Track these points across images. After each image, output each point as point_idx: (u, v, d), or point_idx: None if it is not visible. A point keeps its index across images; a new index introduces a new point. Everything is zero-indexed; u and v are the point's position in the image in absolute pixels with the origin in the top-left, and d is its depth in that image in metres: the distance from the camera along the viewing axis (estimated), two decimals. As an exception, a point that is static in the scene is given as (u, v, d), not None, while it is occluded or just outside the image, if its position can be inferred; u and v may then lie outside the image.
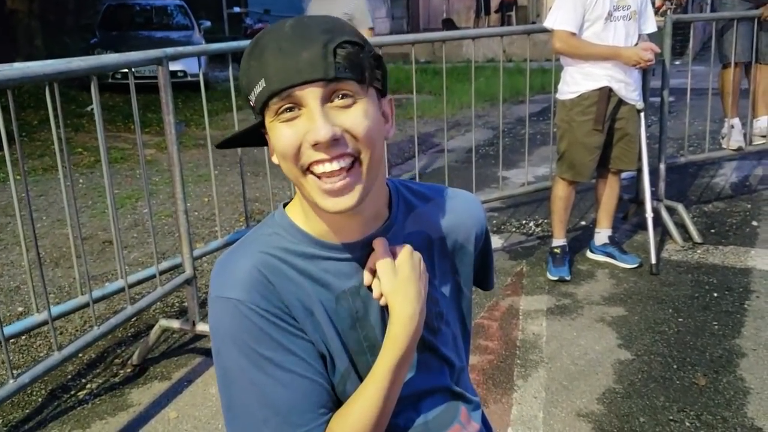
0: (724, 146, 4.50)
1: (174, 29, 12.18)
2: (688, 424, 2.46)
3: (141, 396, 2.84)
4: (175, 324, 3.01)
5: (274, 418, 0.96)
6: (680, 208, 4.27)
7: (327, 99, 0.91)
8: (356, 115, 0.91)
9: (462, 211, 1.15)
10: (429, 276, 1.07)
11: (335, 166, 0.91)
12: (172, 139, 2.74)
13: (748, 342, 2.99)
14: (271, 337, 0.96)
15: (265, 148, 1.05)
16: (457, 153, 6.83)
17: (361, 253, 1.03)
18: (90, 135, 7.83)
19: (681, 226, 4.21)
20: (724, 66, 4.56)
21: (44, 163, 6.75)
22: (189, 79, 10.17)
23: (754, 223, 4.41)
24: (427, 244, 1.10)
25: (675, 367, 2.83)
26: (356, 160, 0.92)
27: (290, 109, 0.91)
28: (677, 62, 7.71)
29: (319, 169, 0.91)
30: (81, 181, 6.16)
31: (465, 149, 6.91)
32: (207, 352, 3.16)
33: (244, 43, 3.28)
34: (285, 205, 1.08)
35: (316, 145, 0.90)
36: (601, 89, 3.52)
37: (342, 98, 0.91)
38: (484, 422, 1.23)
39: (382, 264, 1.00)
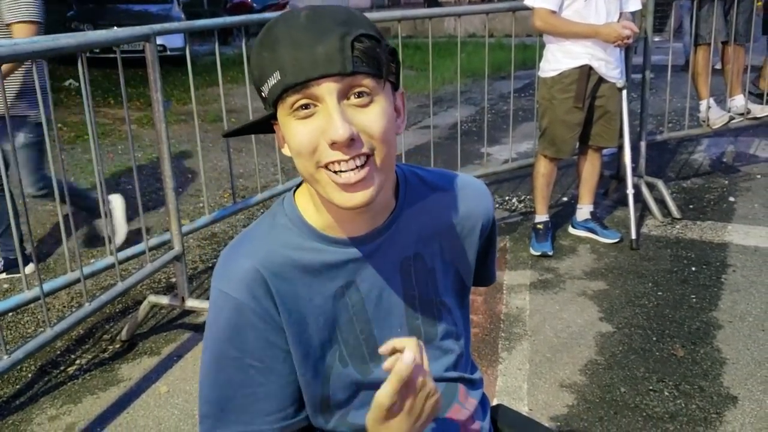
0: (707, 126, 4.57)
1: (152, 2, 11.98)
2: (666, 393, 2.54)
3: (131, 371, 2.87)
4: (164, 300, 3.03)
5: (213, 407, 1.04)
6: (660, 184, 4.35)
7: (344, 95, 0.89)
8: (373, 115, 0.91)
9: (471, 200, 1.15)
10: (434, 266, 1.10)
11: (351, 165, 0.90)
12: (160, 117, 2.74)
13: (725, 315, 3.08)
14: (244, 339, 1.01)
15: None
16: (440, 129, 6.85)
17: (365, 247, 1.04)
18: (69, 110, 7.74)
19: (660, 202, 4.29)
20: (699, 45, 4.61)
21: (23, 138, 6.66)
22: (168, 53, 10.06)
23: (731, 198, 4.51)
24: (435, 234, 1.11)
25: (654, 339, 2.92)
26: (370, 157, 0.92)
27: (306, 107, 0.89)
28: (657, 38, 7.76)
29: (335, 167, 0.91)
30: (62, 157, 6.10)
31: (448, 125, 6.94)
32: (196, 327, 3.20)
33: (231, 19, 3.27)
34: (295, 190, 1.08)
35: (333, 144, 0.89)
36: (581, 67, 3.56)
37: (359, 97, 0.90)
38: (482, 397, 1.27)
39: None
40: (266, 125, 1.01)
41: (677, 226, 4.09)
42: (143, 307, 3.04)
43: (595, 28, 3.47)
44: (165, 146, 2.79)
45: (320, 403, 1.07)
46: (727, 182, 4.83)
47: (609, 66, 3.61)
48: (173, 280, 3.67)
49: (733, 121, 4.54)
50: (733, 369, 2.67)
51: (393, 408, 0.90)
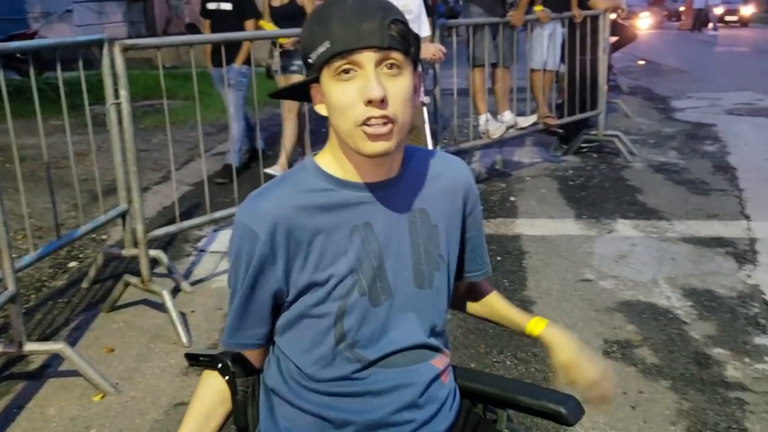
0: (487, 137, 5.21)
1: None
2: (509, 362, 2.92)
3: (-33, 430, 2.58)
4: (-4, 348, 2.76)
5: (230, 319, 1.29)
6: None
7: (379, 64, 1.12)
8: (400, 84, 1.14)
9: (455, 171, 1.37)
10: (437, 223, 1.31)
11: (380, 120, 1.12)
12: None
13: (534, 292, 3.59)
14: (252, 264, 1.21)
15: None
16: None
17: (376, 193, 1.23)
18: None
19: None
20: (475, 66, 5.27)
21: None
22: None
23: (512, 198, 5.18)
24: (435, 195, 1.32)
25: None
26: (392, 121, 1.13)
27: (347, 71, 1.11)
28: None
29: (369, 121, 1.11)
30: None
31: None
32: (31, 376, 2.93)
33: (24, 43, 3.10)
34: (315, 156, 1.27)
35: (369, 102, 1.10)
36: None
37: (390, 68, 1.12)
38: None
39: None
40: (301, 89, 1.21)
41: (475, 225, 4.61)
42: (-30, 360, 2.74)
43: None
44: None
45: (335, 322, 1.23)
46: (504, 185, 5.52)
47: None
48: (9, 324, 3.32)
49: (507, 131, 5.24)
50: (554, 334, 3.13)
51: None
